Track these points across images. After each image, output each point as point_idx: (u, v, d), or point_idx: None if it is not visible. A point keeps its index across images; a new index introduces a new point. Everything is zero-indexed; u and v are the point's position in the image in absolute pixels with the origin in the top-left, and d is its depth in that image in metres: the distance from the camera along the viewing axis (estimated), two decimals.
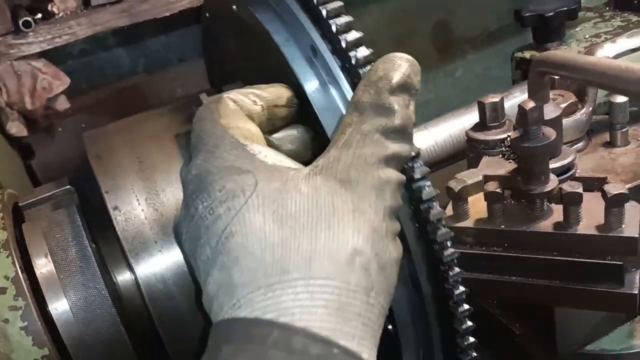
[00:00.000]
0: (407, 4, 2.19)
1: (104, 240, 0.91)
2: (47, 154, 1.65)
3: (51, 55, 1.58)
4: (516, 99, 1.05)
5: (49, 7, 1.52)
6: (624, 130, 0.96)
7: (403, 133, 0.66)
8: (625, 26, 1.34)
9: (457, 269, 0.75)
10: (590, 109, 0.97)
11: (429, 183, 0.74)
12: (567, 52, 1.27)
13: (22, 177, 1.61)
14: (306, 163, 0.69)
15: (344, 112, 0.76)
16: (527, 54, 1.33)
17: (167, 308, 0.84)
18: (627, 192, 0.80)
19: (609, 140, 0.98)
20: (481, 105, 1.00)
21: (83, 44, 1.73)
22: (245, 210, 0.61)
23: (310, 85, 0.79)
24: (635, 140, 0.97)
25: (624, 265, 0.83)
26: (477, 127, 1.02)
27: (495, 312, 1.09)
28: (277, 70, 0.84)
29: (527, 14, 1.30)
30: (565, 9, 1.27)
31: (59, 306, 0.87)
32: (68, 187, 0.99)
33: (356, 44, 0.75)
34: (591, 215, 0.84)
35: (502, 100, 1.01)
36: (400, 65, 0.70)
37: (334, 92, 0.78)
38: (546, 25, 1.28)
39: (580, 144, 0.98)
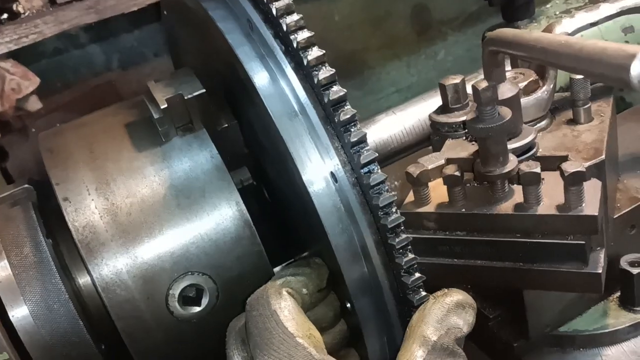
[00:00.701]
0: None
1: (61, 235, 0.91)
2: (22, 155, 1.63)
3: (24, 55, 1.57)
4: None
5: (14, 7, 1.50)
6: (586, 106, 0.94)
7: None
8: (594, 1, 1.32)
9: (403, 236, 0.76)
10: (552, 86, 0.95)
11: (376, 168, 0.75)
12: (525, 30, 1.25)
13: None
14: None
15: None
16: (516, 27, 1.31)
17: (122, 297, 0.84)
18: (584, 170, 0.78)
19: (572, 117, 0.96)
20: (442, 87, 0.99)
21: (56, 42, 1.70)
22: None
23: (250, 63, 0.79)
24: (598, 117, 0.95)
25: (586, 244, 0.82)
26: (439, 110, 1.01)
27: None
28: (219, 52, 0.85)
29: None
30: None
31: (18, 311, 0.87)
32: (26, 186, 0.98)
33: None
34: (552, 195, 0.83)
35: (463, 81, 0.99)
36: (470, 315, 0.81)
37: (272, 64, 0.79)
38: (513, 3, 1.26)
39: (543, 123, 0.97)
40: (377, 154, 0.76)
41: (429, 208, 0.90)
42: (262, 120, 0.82)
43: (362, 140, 0.77)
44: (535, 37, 0.77)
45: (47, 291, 0.87)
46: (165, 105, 0.87)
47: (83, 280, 0.90)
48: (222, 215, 0.87)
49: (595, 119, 0.95)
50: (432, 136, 1.02)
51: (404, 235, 0.76)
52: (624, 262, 0.99)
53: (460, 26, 2.31)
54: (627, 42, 1.22)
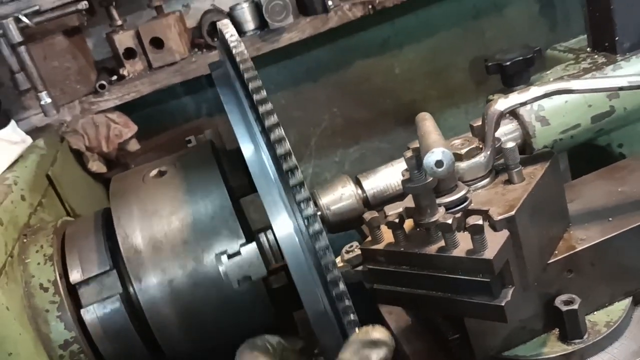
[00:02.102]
0: (440, 43, 2.40)
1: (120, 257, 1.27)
2: None
3: (129, 106, 2.00)
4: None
5: (121, 71, 1.94)
6: (517, 169, 1.14)
7: None
8: (589, 68, 1.49)
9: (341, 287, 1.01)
10: (489, 152, 1.16)
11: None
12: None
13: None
14: None
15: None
16: (496, 97, 1.52)
17: (150, 295, 1.19)
18: (481, 223, 1.00)
19: (507, 178, 1.16)
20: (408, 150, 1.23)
21: (159, 94, 2.10)
22: None
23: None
24: (529, 178, 1.14)
25: (491, 282, 1.03)
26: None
27: (437, 320, 1.30)
28: None
29: (490, 64, 1.49)
30: (522, 58, 1.45)
31: (86, 301, 1.23)
32: (104, 208, 1.35)
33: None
34: (469, 241, 1.05)
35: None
36: (382, 351, 0.99)
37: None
38: (506, 72, 1.47)
39: (484, 181, 1.17)
40: (320, 227, 1.03)
41: (380, 246, 1.15)
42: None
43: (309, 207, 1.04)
44: (419, 124, 1.03)
45: (107, 290, 1.23)
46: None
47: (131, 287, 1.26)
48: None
49: (526, 180, 1.15)
50: (403, 189, 1.27)
51: (342, 287, 1.02)
52: (558, 301, 1.17)
53: None
54: (612, 106, 1.40)
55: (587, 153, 1.55)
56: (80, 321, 1.22)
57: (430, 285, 1.11)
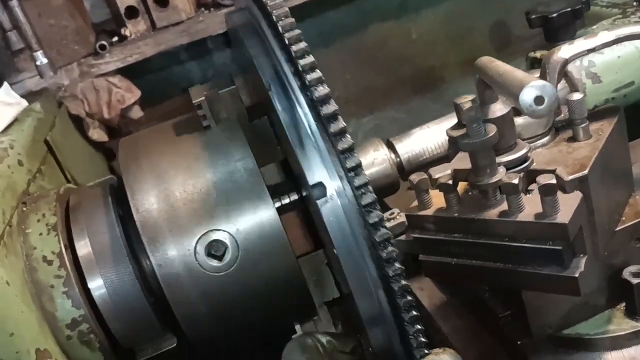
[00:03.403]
0: (460, 6, 2.25)
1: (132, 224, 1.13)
2: None
3: (131, 71, 1.85)
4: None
5: (123, 31, 1.79)
6: (584, 125, 1.01)
7: None
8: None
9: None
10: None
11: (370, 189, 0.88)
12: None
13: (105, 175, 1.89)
14: None
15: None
16: (538, 54, 1.39)
17: (162, 253, 1.06)
18: (554, 182, 0.87)
19: (572, 135, 1.03)
20: (457, 106, 1.10)
21: (160, 60, 1.95)
22: None
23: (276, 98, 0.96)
24: (597, 135, 1.02)
25: (563, 250, 0.90)
26: (455, 126, 1.12)
27: (484, 296, 1.17)
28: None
29: (533, 16, 1.36)
30: (569, 9, 1.32)
31: (94, 278, 1.09)
32: (110, 176, 1.21)
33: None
34: (535, 204, 0.92)
35: (475, 100, 1.09)
36: None
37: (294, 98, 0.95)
38: (552, 25, 1.34)
39: (544, 139, 1.05)
40: (367, 179, 0.89)
41: (429, 212, 1.02)
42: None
43: (358, 166, 0.90)
44: (489, 65, 0.88)
45: (117, 266, 1.10)
46: (203, 98, 1.08)
47: (143, 257, 1.12)
48: (249, 193, 1.06)
49: (593, 137, 1.02)
50: (448, 149, 1.14)
51: (397, 265, 0.89)
52: (626, 273, 1.05)
53: (542, 43, 2.35)
54: None
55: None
56: (89, 298, 1.09)
57: (487, 255, 0.98)
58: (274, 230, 1.06)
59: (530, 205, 0.93)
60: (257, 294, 1.08)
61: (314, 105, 0.91)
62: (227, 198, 1.06)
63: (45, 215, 1.13)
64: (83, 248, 1.10)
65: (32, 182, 1.25)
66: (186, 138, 1.14)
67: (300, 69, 0.92)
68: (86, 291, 1.09)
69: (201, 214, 1.05)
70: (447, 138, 1.28)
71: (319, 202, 0.90)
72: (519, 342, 1.10)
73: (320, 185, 0.90)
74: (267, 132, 1.18)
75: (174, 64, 2.07)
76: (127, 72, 1.84)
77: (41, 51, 1.57)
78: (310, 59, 0.93)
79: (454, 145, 1.12)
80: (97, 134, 1.76)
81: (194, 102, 1.09)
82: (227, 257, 1.04)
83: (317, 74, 0.92)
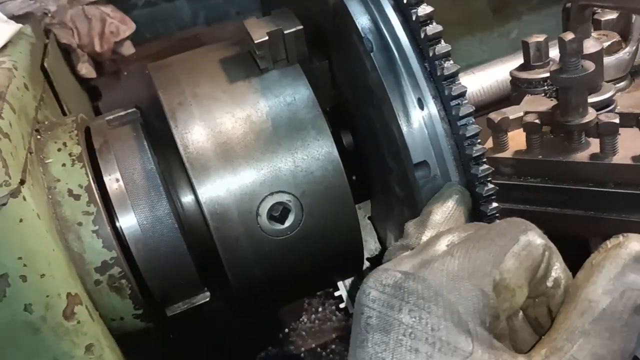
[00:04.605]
0: None
1: (165, 156, 1.00)
2: (113, 97, 1.75)
3: (118, 5, 1.68)
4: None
5: None
6: None
7: None
8: None
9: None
10: (634, 48, 0.99)
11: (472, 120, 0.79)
12: None
13: (90, 116, 1.72)
14: None
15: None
16: None
17: (220, 213, 0.93)
18: None
19: None
20: (525, 44, 1.04)
21: None
22: None
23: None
24: None
25: None
26: (521, 67, 1.06)
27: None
28: None
29: None
30: None
31: (127, 216, 0.96)
32: (134, 109, 1.07)
33: None
34: (628, 148, 0.87)
35: (546, 39, 1.03)
36: None
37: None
38: None
39: (622, 83, 1.00)
40: (466, 88, 0.80)
41: (507, 154, 0.95)
42: (356, 58, 0.88)
43: (455, 75, 0.81)
44: None
45: (153, 204, 0.97)
46: (266, 38, 0.94)
47: (185, 198, 1.00)
48: (315, 148, 0.95)
49: None
50: (512, 92, 1.07)
51: (485, 166, 0.81)
52: None
53: (537, 6, 2.33)
54: None
55: None
56: (120, 239, 0.96)
57: (566, 201, 0.93)
58: (341, 195, 0.96)
59: (622, 149, 0.88)
60: (316, 258, 0.97)
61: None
62: (294, 157, 0.95)
63: (67, 145, 0.98)
64: (113, 183, 0.97)
65: (39, 109, 1.10)
66: (238, 79, 0.99)
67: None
68: (117, 231, 0.96)
69: (265, 172, 0.94)
70: (492, 84, 1.21)
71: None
72: None
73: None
74: (320, 78, 1.05)
75: (163, 0, 1.91)
76: (114, 4, 1.68)
77: None
78: None
79: (518, 88, 1.06)
80: (86, 69, 1.59)
81: (255, 41, 0.94)
82: (290, 220, 0.94)
83: None
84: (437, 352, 0.58)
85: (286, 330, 1.73)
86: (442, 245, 0.66)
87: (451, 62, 0.81)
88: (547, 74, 1.02)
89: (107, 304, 0.96)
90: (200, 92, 0.98)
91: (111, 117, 1.07)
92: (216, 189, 0.93)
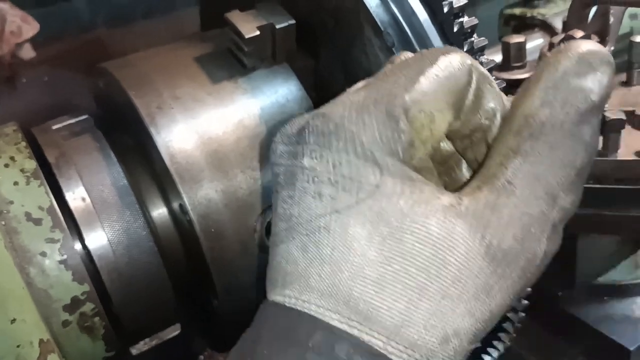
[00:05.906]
0: None
1: (136, 166, 0.87)
2: (11, 107, 1.52)
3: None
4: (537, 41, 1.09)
5: None
6: None
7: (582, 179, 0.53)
8: None
9: None
10: (612, 48, 1.02)
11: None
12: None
13: None
14: None
15: None
16: (517, 11, 1.37)
17: (214, 223, 0.82)
18: None
19: (625, 80, 1.03)
20: (505, 45, 1.03)
21: None
22: (350, 215, 0.50)
23: None
24: None
25: None
26: (500, 67, 1.04)
27: None
28: None
29: None
30: None
31: (98, 242, 0.82)
32: (86, 117, 0.92)
33: None
34: (628, 145, 0.89)
35: (525, 41, 1.03)
36: (604, 75, 0.53)
37: None
38: None
39: None
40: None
41: None
42: (368, 55, 0.82)
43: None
44: None
45: (128, 226, 0.83)
46: (258, 33, 0.84)
47: (159, 216, 0.87)
48: None
49: None
50: None
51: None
52: None
53: None
54: (631, 27, 1.32)
55: None
56: (92, 268, 0.81)
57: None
58: None
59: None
60: None
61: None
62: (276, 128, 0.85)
63: (15, 159, 0.81)
64: (79, 202, 0.81)
65: None
66: (222, 79, 0.87)
67: None
68: (88, 260, 0.81)
69: (263, 181, 0.84)
70: None
71: None
72: (559, 294, 1.07)
73: None
74: (304, 79, 0.96)
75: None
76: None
77: None
78: None
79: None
80: None
81: (246, 37, 0.83)
82: None
83: None
84: (340, 191, 0.50)
85: None
86: (357, 85, 0.58)
87: (486, 57, 0.76)
88: (527, 75, 1.01)
89: (76, 348, 0.81)
90: (181, 94, 0.85)
91: (59, 125, 0.90)
92: (211, 205, 0.82)
